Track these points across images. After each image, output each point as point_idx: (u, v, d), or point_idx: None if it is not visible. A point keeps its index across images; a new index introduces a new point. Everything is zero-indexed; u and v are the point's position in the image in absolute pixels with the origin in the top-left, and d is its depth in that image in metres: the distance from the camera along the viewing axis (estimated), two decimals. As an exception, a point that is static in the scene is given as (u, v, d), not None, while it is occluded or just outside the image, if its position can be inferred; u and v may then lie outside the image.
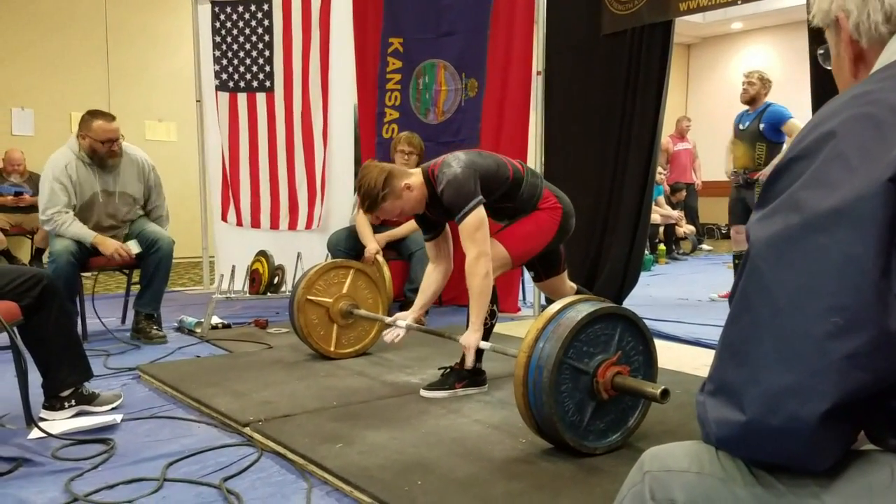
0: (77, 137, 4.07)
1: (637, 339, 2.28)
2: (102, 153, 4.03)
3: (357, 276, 3.61)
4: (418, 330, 3.04)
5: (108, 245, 3.97)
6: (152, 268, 4.10)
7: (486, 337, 2.88)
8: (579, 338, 2.14)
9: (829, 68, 1.07)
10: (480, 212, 2.73)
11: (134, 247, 4.05)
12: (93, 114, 4.04)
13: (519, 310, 5.04)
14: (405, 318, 3.01)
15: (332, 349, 3.52)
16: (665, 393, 2.04)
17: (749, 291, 0.84)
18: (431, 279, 3.05)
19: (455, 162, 2.78)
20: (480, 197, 2.74)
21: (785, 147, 5.20)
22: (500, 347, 2.71)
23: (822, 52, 1.09)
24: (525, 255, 2.98)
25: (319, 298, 3.49)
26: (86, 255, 3.99)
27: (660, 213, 8.68)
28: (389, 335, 3.00)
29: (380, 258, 4.24)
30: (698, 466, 0.91)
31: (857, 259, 0.75)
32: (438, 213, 2.94)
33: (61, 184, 3.95)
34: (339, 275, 3.57)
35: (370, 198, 2.80)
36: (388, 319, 3.13)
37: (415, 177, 2.87)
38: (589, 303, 2.25)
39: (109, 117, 4.05)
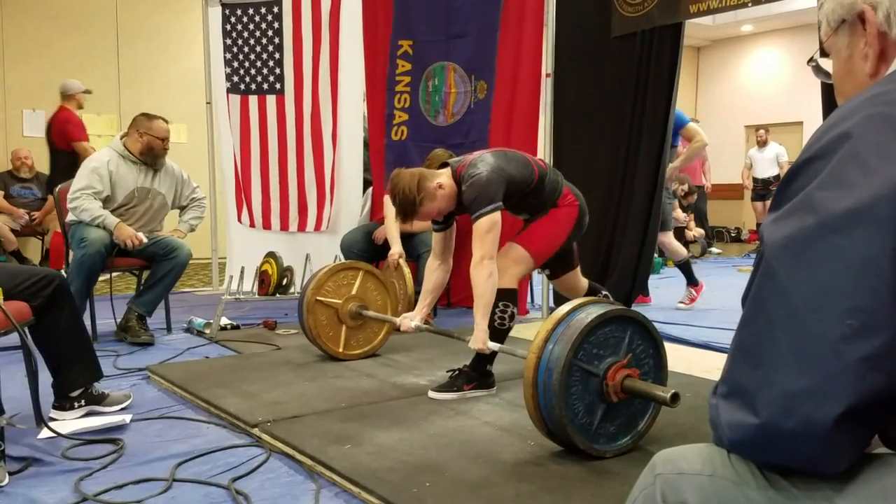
0: (125, 137, 4.25)
1: (647, 342, 2.27)
2: (158, 150, 4.25)
3: (366, 277, 3.61)
4: (428, 331, 3.04)
5: (124, 231, 4.00)
6: (163, 271, 4.14)
7: (503, 339, 2.88)
8: (589, 339, 2.13)
9: (823, 80, 1.05)
10: (496, 216, 2.76)
11: (143, 236, 4.10)
12: (150, 115, 4.33)
13: (527, 312, 5.04)
14: (413, 319, 3.02)
15: (340, 350, 3.52)
16: (675, 397, 2.03)
17: (763, 292, 0.83)
18: (436, 276, 3.06)
19: (482, 165, 2.81)
20: (500, 203, 2.78)
21: (681, 150, 5.21)
22: (508, 349, 2.71)
23: (814, 64, 1.07)
24: (546, 253, 3.01)
25: (329, 299, 3.49)
26: (111, 253, 4.02)
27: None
28: (406, 326, 3.04)
29: (402, 261, 4.25)
30: (711, 469, 0.90)
31: (874, 260, 0.75)
32: (459, 208, 2.96)
33: (98, 174, 4.06)
34: (349, 276, 3.57)
35: (408, 205, 2.80)
36: (396, 320, 3.13)
37: (444, 176, 2.89)
38: (599, 305, 2.24)
39: (166, 120, 4.39)
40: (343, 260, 4.27)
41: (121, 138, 4.25)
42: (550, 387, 2.09)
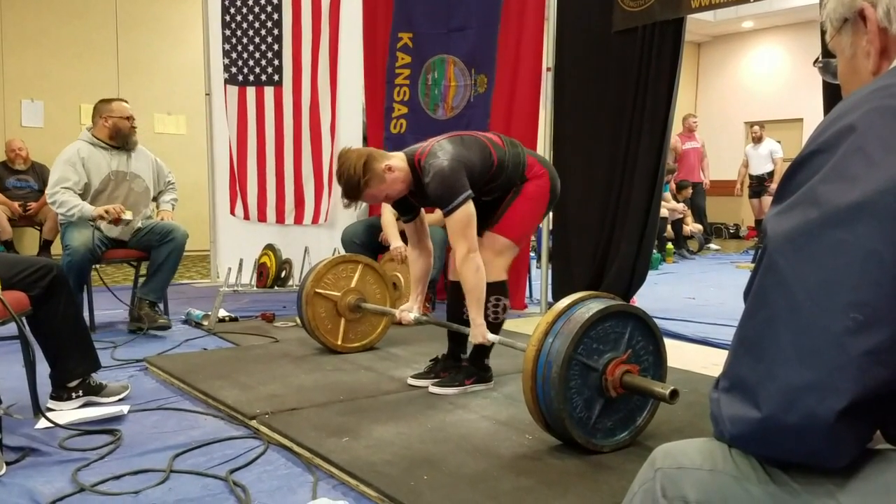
0: (93, 125, 4.22)
1: (647, 339, 2.26)
2: (127, 130, 4.22)
3: (366, 270, 3.61)
4: (427, 322, 3.03)
5: (100, 210, 3.99)
6: (163, 256, 4.15)
7: (497, 332, 2.88)
8: (589, 334, 2.13)
9: (830, 81, 1.05)
10: (469, 207, 2.70)
11: (127, 214, 4.07)
12: (107, 100, 4.29)
13: (526, 306, 5.04)
14: (411, 311, 3.02)
15: (338, 343, 3.52)
16: (674, 393, 2.03)
17: (766, 286, 0.82)
18: (419, 265, 3.03)
19: (441, 153, 2.73)
20: (469, 191, 2.71)
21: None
22: (508, 341, 2.70)
23: (821, 64, 1.07)
24: (527, 236, 2.97)
25: (328, 292, 3.49)
26: (101, 250, 4.04)
27: (666, 207, 8.65)
28: (406, 318, 3.03)
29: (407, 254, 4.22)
30: (711, 464, 0.90)
31: (877, 254, 0.74)
32: (422, 201, 2.91)
33: (70, 164, 4.06)
34: (349, 269, 3.57)
35: (351, 186, 2.72)
36: (396, 312, 3.13)
37: (396, 159, 2.81)
38: (600, 300, 2.24)
39: (122, 100, 4.33)
40: (343, 253, 4.26)
41: (88, 130, 4.23)
42: (550, 380, 2.09)
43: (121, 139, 4.20)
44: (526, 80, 4.81)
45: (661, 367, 2.30)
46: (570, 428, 2.11)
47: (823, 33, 1.03)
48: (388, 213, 4.42)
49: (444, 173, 2.68)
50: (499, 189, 2.91)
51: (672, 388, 2.04)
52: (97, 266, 4.28)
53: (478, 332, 2.75)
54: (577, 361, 2.11)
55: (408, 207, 2.98)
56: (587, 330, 2.11)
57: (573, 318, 2.14)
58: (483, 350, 2.91)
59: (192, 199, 6.91)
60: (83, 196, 4.06)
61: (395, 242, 4.28)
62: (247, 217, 5.63)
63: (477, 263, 2.71)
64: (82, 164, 4.07)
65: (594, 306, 2.17)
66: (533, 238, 5.25)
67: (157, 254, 4.16)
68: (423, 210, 3.03)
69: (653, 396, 2.16)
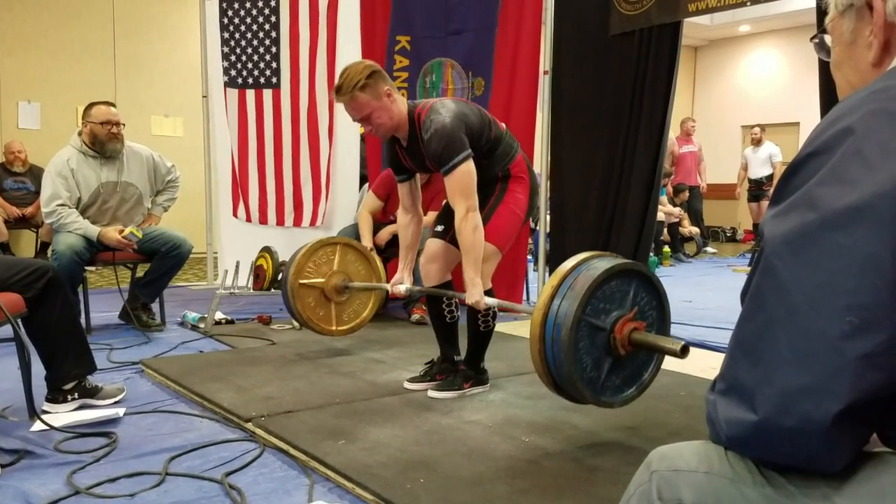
0: (79, 132, 4.15)
1: (651, 294, 2.24)
2: (103, 137, 4.07)
3: (345, 250, 3.57)
4: (420, 292, 3.01)
5: (111, 236, 3.98)
6: (167, 266, 4.18)
7: (485, 342, 2.86)
8: (596, 295, 2.10)
9: (824, 59, 1.03)
10: (469, 165, 2.64)
11: (134, 233, 4.03)
12: (93, 103, 4.16)
13: (523, 309, 5.03)
14: (402, 282, 2.99)
15: (334, 328, 3.51)
16: (685, 349, 2.02)
17: (763, 289, 0.82)
18: (410, 232, 2.99)
19: (444, 110, 2.67)
20: (469, 150, 2.65)
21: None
22: (507, 304, 2.65)
23: (817, 40, 1.06)
24: (509, 242, 2.89)
25: (312, 280, 3.46)
26: (90, 252, 4.00)
27: (663, 210, 8.65)
28: (397, 290, 3.00)
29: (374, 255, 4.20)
30: (707, 466, 0.90)
31: (875, 258, 0.74)
32: (414, 162, 2.86)
33: (62, 177, 3.99)
34: (327, 252, 3.53)
35: (348, 82, 2.67)
36: (387, 286, 3.11)
37: (399, 96, 2.77)
38: (604, 259, 2.21)
39: (108, 104, 4.16)
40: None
41: (79, 135, 4.13)
42: (559, 343, 2.06)
43: (99, 146, 4.08)
44: (523, 83, 4.81)
45: (666, 321, 2.29)
46: (581, 388, 2.09)
47: (821, 9, 1.02)
48: (365, 212, 4.41)
49: (446, 130, 2.62)
50: (483, 171, 2.78)
51: (683, 343, 2.02)
52: (94, 268, 4.29)
53: (474, 293, 2.67)
54: (586, 322, 2.09)
55: (403, 167, 2.93)
56: (594, 291, 2.09)
57: (579, 279, 2.11)
58: (479, 352, 2.91)
59: (188, 202, 6.86)
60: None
61: (366, 242, 4.23)
62: (249, 219, 5.63)
63: (476, 223, 2.64)
64: (72, 175, 4.00)
65: (600, 266, 2.14)
66: (530, 240, 5.24)
67: (160, 262, 4.16)
68: (417, 175, 2.99)
69: (663, 352, 2.14)
